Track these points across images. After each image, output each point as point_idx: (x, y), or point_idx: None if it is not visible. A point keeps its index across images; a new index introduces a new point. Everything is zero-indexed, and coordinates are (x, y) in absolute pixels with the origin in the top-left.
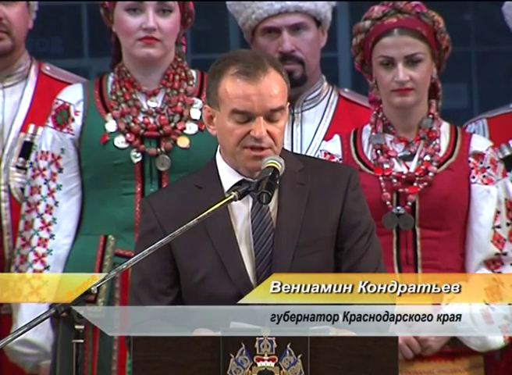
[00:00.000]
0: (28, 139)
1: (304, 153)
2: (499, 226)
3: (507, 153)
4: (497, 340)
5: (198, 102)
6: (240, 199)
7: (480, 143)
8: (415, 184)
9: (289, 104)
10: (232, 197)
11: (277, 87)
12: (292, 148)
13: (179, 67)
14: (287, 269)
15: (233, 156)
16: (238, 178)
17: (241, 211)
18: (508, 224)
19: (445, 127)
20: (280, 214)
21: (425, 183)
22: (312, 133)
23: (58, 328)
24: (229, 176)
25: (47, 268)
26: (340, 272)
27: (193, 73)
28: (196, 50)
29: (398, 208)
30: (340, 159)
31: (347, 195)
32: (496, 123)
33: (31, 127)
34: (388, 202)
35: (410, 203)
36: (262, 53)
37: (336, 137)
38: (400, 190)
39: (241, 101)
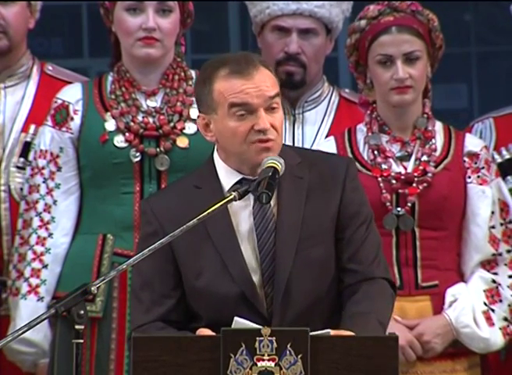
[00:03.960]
0: (29, 139)
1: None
2: (493, 227)
3: None
4: (498, 341)
5: None
6: (240, 199)
7: (474, 143)
8: (414, 185)
9: (284, 102)
10: (232, 197)
11: (269, 79)
12: None
13: (178, 67)
14: (291, 262)
15: (240, 155)
16: (237, 177)
17: (243, 209)
18: (501, 224)
19: (438, 127)
20: (280, 209)
21: (425, 184)
22: (314, 134)
23: (55, 327)
24: (228, 176)
25: (45, 267)
26: (341, 262)
27: (193, 73)
28: (196, 50)
29: (398, 209)
30: None
31: (345, 186)
32: (503, 122)
33: (32, 128)
34: (388, 203)
35: (409, 204)
36: (248, 52)
37: (331, 136)
38: (400, 191)
39: (238, 95)
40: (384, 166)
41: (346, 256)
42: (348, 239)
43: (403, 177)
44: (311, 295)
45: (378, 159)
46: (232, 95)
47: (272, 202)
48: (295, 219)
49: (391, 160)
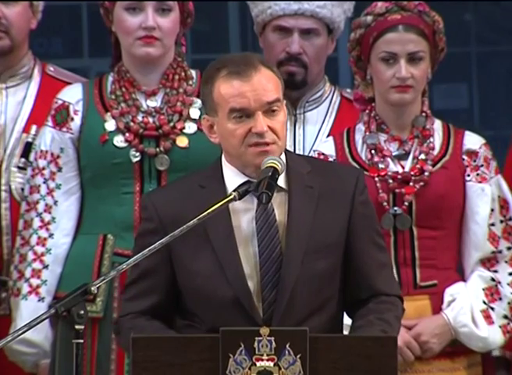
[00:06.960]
0: (30, 140)
1: (306, 154)
2: (493, 224)
3: None
4: (497, 339)
5: (198, 102)
6: (239, 199)
7: (473, 141)
8: (411, 184)
9: (285, 102)
10: (232, 197)
11: (270, 81)
12: (294, 149)
13: (178, 67)
14: (297, 274)
15: (239, 158)
16: (242, 179)
17: (246, 213)
18: (501, 221)
19: (437, 125)
20: (291, 218)
21: (421, 183)
22: (315, 134)
23: (56, 327)
24: (233, 178)
25: (46, 267)
26: (349, 276)
27: (193, 72)
28: (196, 50)
29: (395, 208)
30: (334, 160)
31: (355, 200)
32: None
33: (33, 128)
34: (385, 203)
35: (406, 203)
36: (250, 53)
37: (330, 137)
38: (397, 190)
39: (237, 99)
40: (381, 166)
41: (354, 271)
42: (357, 254)
43: (399, 177)
44: (310, 306)
45: (375, 159)
46: (230, 98)
47: (282, 210)
48: (304, 229)
49: (388, 159)
